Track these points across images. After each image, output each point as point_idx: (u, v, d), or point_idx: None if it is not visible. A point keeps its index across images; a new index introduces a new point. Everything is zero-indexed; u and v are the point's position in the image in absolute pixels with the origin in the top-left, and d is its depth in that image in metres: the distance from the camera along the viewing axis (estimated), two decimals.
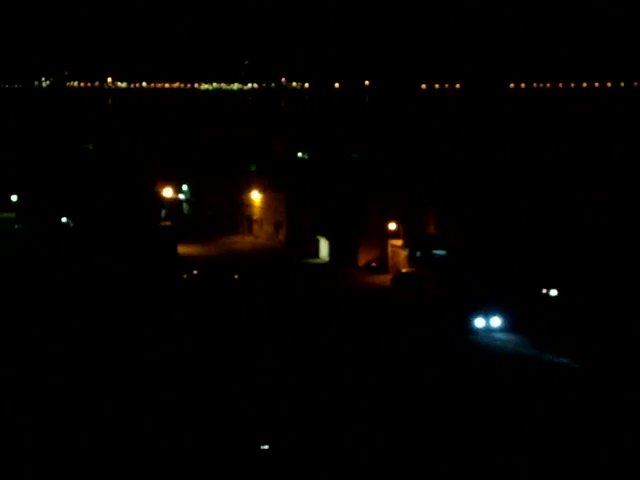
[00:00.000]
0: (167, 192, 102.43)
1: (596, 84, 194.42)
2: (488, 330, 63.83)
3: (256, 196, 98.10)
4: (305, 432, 45.26)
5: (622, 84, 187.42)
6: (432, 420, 46.86)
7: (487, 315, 64.36)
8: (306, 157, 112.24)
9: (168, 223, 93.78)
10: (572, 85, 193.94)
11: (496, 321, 64.16)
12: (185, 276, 77.99)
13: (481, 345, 61.18)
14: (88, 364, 55.21)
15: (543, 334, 61.86)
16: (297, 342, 60.41)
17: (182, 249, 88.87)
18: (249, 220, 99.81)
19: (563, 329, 62.60)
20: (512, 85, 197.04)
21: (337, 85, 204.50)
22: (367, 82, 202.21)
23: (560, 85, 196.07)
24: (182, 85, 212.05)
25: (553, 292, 69.05)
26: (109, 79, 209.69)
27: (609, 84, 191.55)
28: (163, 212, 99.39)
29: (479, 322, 64.25)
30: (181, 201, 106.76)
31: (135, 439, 44.49)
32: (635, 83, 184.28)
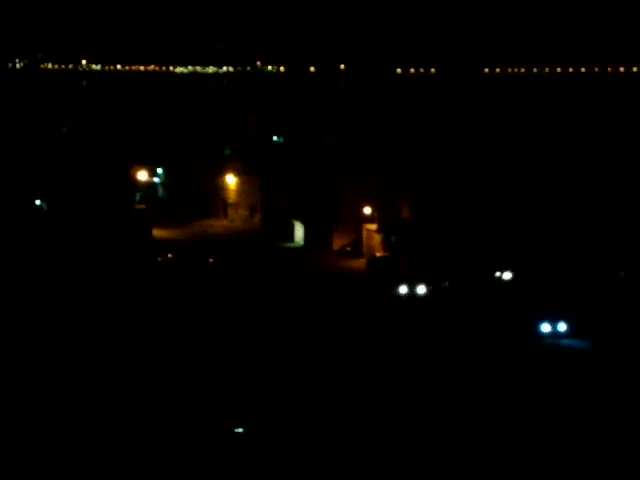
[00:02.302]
0: (142, 175, 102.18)
1: (570, 69, 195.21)
2: (555, 336, 57.23)
3: (231, 180, 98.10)
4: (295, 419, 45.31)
5: (597, 69, 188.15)
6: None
7: (553, 317, 57.46)
8: (281, 141, 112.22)
9: (143, 206, 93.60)
10: (547, 70, 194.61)
11: (563, 325, 57.17)
12: (160, 259, 77.97)
13: (555, 355, 55.06)
14: (65, 349, 55.13)
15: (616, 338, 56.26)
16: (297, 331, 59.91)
17: (157, 232, 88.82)
18: (224, 204, 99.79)
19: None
20: (487, 70, 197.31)
21: (312, 69, 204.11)
22: (342, 66, 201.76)
23: (535, 70, 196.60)
24: (157, 68, 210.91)
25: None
26: (83, 61, 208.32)
27: (583, 69, 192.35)
28: (138, 195, 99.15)
29: (545, 327, 57.28)
30: (156, 184, 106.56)
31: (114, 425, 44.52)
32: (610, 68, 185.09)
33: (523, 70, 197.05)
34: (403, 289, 67.24)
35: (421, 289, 67.04)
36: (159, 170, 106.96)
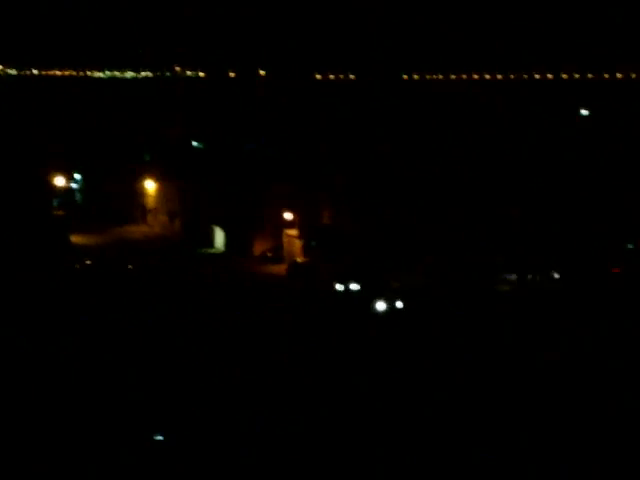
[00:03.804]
0: (59, 181, 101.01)
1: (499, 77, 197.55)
2: None
3: (150, 185, 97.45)
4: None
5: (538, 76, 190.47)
6: None
7: None
8: (201, 147, 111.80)
9: (60, 212, 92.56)
10: (464, 77, 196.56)
11: None
12: (78, 266, 77.10)
13: None
14: None
15: None
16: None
17: (75, 239, 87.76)
18: (144, 210, 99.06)
19: None
20: (406, 76, 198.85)
21: (232, 74, 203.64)
22: (262, 72, 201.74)
23: (454, 77, 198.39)
24: (74, 73, 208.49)
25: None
26: None
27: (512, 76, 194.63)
28: (55, 201, 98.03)
29: None
30: (74, 190, 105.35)
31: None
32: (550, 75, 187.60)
33: (441, 77, 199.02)
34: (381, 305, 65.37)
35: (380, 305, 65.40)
36: (77, 176, 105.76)
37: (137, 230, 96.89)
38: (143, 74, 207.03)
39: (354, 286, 68.30)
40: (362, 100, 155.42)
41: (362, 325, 62.04)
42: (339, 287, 68.56)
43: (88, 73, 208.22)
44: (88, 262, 78.02)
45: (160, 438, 43.24)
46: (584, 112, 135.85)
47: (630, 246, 73.76)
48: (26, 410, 46.26)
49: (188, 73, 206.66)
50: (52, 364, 53.14)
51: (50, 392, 48.59)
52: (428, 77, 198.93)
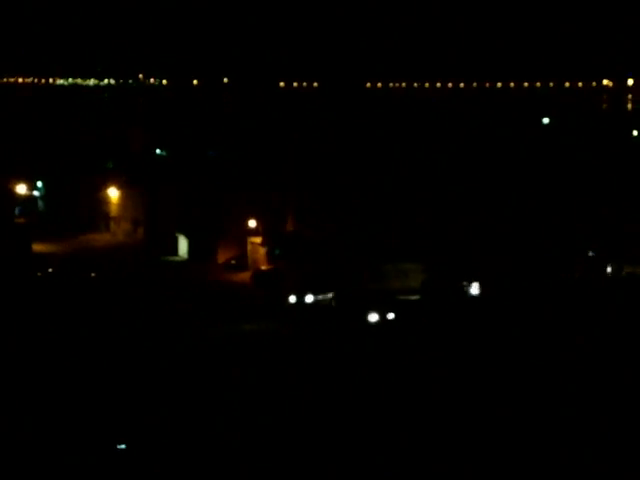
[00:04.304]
0: (21, 188, 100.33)
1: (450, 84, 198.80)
2: None
3: (114, 193, 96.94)
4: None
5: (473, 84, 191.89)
6: None
7: None
8: (165, 154, 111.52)
9: (22, 220, 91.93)
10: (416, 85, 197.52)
11: None
12: (40, 274, 76.46)
13: None
14: None
15: None
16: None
17: (37, 247, 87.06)
18: (107, 217, 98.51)
19: None
20: (369, 85, 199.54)
21: (195, 82, 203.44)
22: (225, 80, 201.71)
23: (414, 85, 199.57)
24: (37, 80, 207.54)
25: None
26: None
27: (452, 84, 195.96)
28: (17, 209, 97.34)
29: None
30: (36, 198, 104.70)
31: None
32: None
33: (404, 85, 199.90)
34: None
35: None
36: (39, 183, 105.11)
37: (100, 238, 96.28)
38: (106, 82, 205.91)
39: (312, 297, 67.61)
40: (326, 107, 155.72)
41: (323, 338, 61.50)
42: (297, 298, 67.61)
43: (50, 80, 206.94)
44: (50, 270, 77.38)
45: (122, 447, 42.98)
46: (546, 120, 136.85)
47: (591, 254, 74.39)
48: None
49: (151, 81, 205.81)
50: (11, 374, 52.68)
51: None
52: (391, 85, 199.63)
